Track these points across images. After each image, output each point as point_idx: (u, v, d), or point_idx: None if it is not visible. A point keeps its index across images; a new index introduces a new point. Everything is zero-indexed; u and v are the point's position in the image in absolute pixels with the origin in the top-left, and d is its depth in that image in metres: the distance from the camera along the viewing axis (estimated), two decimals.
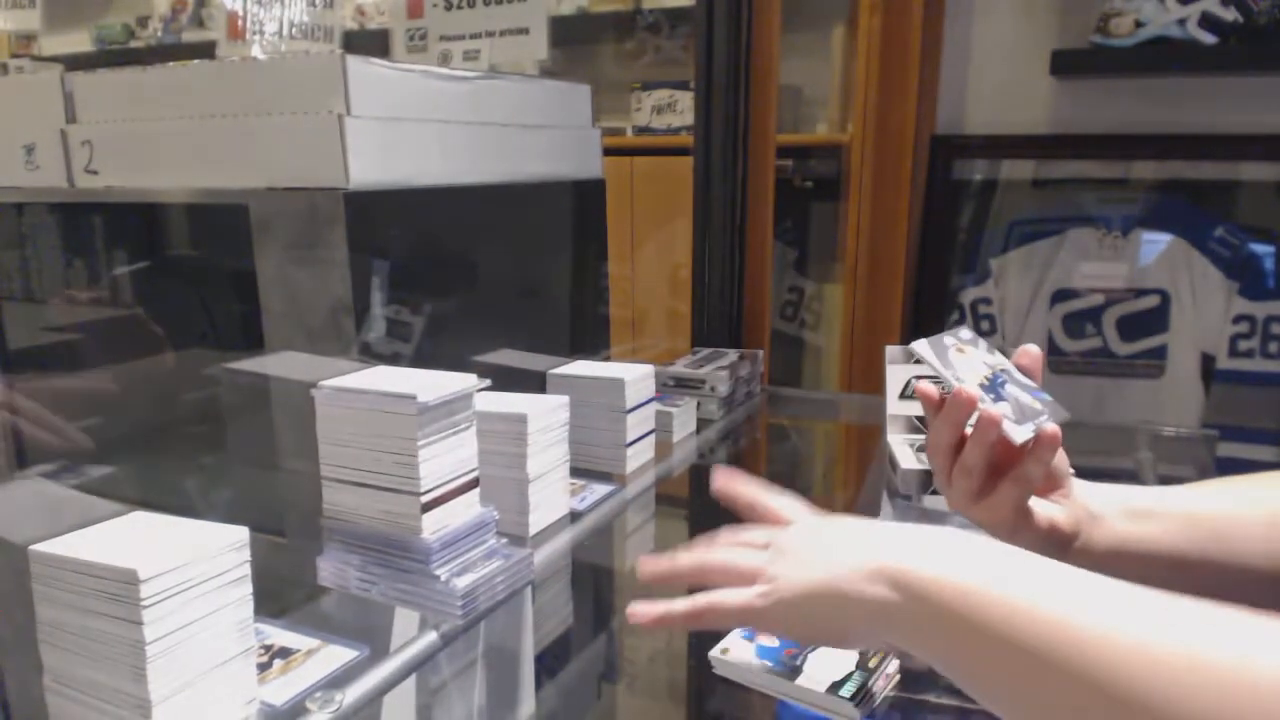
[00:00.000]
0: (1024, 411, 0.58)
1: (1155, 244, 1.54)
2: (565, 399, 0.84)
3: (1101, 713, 0.35)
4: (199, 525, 0.54)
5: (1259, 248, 1.48)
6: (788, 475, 1.24)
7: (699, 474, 1.08)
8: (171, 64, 0.83)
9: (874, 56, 1.60)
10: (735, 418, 1.23)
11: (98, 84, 0.88)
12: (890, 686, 0.63)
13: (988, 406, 0.57)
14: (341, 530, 0.69)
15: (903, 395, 1.00)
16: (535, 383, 0.97)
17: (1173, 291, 1.52)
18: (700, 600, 0.52)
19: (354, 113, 0.76)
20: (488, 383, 0.69)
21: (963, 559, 0.43)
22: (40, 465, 1.00)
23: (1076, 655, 0.36)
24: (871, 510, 0.91)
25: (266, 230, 0.78)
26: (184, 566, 0.50)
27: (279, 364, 0.80)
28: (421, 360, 0.81)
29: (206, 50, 1.13)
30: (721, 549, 0.54)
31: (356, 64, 0.77)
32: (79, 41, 3.21)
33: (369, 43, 2.50)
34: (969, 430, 0.58)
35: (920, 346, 0.63)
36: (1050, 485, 0.60)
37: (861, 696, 0.61)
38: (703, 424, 1.17)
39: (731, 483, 0.60)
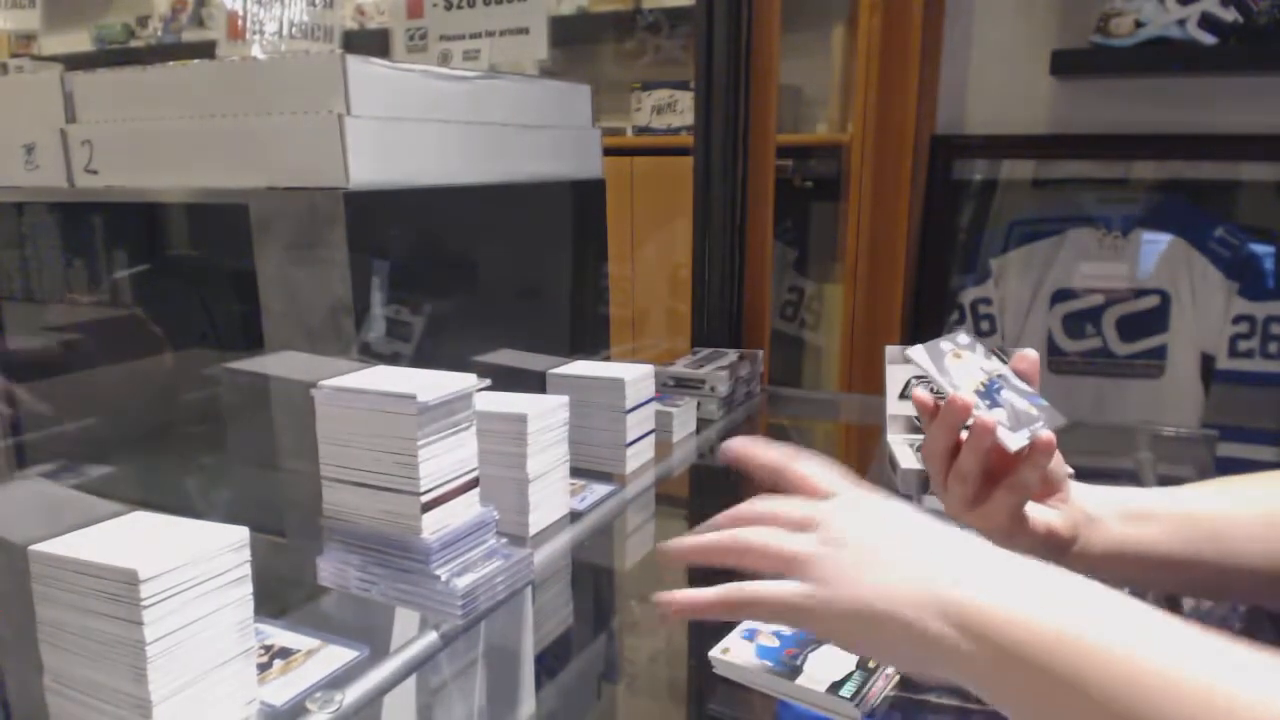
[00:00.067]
0: (1019, 418, 0.58)
1: (1155, 244, 1.54)
2: (565, 399, 0.84)
3: None
4: (199, 525, 0.54)
5: (1259, 248, 1.48)
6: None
7: (699, 474, 1.08)
8: (171, 64, 0.83)
9: (874, 56, 1.60)
10: (735, 418, 1.23)
11: (98, 84, 0.88)
12: (890, 686, 0.63)
13: (982, 413, 0.57)
14: (341, 530, 0.69)
15: (903, 395, 1.00)
16: (535, 383, 0.97)
17: (1173, 291, 1.52)
18: (736, 590, 0.47)
19: (354, 113, 0.76)
20: (488, 383, 0.69)
21: (1031, 593, 0.41)
22: (40, 465, 1.00)
23: (1174, 710, 0.35)
24: None
25: (266, 230, 0.78)
26: (184, 566, 0.50)
27: (279, 364, 0.80)
28: (421, 360, 0.81)
29: (206, 50, 1.14)
30: (756, 529, 0.48)
31: (356, 64, 0.77)
32: (79, 41, 3.21)
33: (369, 43, 2.50)
34: (964, 436, 0.58)
35: (916, 353, 0.63)
36: (1047, 490, 0.60)
37: (861, 696, 0.61)
38: (703, 424, 1.17)
39: (749, 447, 0.54)
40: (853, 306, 1.71)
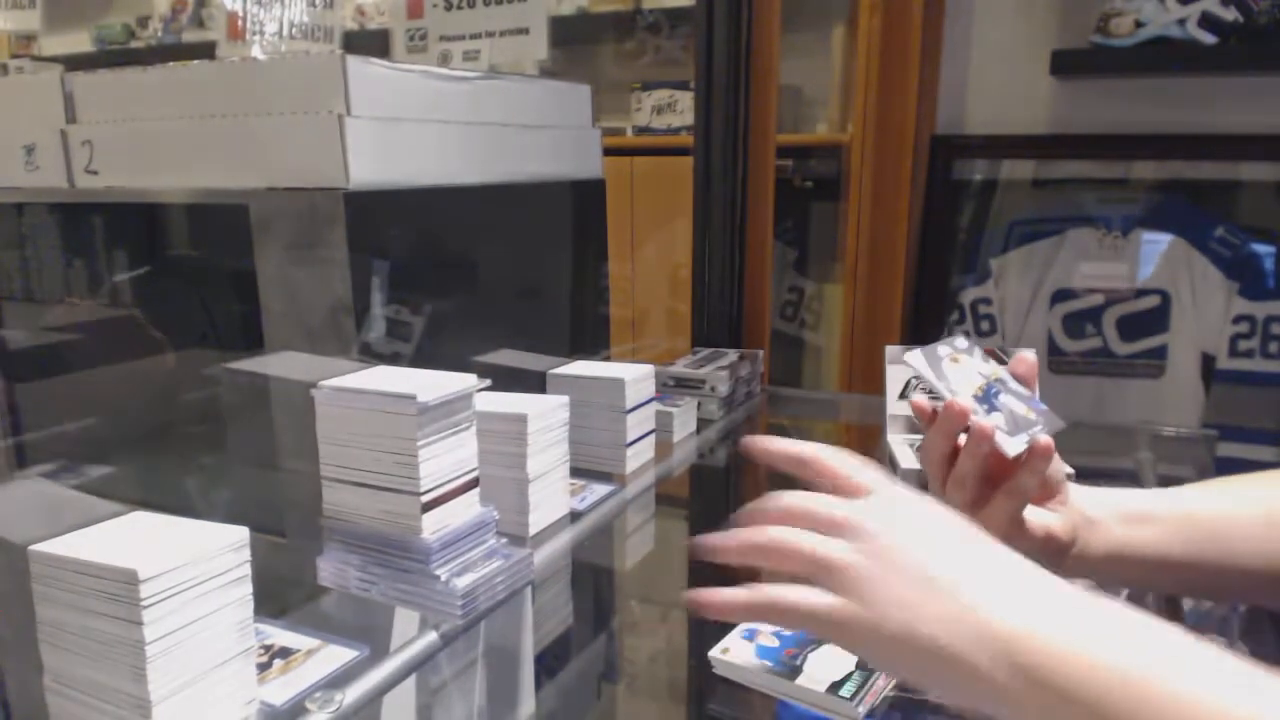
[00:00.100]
0: (1018, 422, 0.58)
1: (1155, 244, 1.54)
2: (565, 399, 0.84)
3: None
4: (199, 525, 0.54)
5: (1259, 248, 1.48)
6: (788, 476, 1.24)
7: (699, 474, 1.08)
8: (171, 64, 0.83)
9: (874, 56, 1.60)
10: (735, 418, 1.23)
11: (98, 84, 0.88)
12: (890, 686, 0.63)
13: (980, 418, 0.57)
14: (341, 530, 0.69)
15: (903, 395, 1.00)
16: (535, 383, 0.97)
17: (1173, 291, 1.52)
18: (766, 596, 0.44)
19: (354, 113, 0.76)
20: (488, 383, 0.69)
21: (1090, 629, 0.39)
22: (40, 465, 1.00)
23: None
24: None
25: (266, 230, 0.78)
26: (184, 566, 0.50)
27: (279, 364, 0.80)
28: (421, 360, 0.81)
29: (206, 50, 1.14)
30: (787, 530, 0.45)
31: (356, 64, 0.77)
32: (79, 41, 3.21)
33: (369, 43, 2.50)
34: (963, 441, 0.58)
35: (914, 358, 0.63)
36: (1046, 493, 0.60)
37: (861, 696, 0.61)
38: (703, 424, 1.17)
39: (771, 440, 0.52)
40: (853, 306, 1.71)
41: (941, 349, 0.64)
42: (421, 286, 0.84)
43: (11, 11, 1.75)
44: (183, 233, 0.90)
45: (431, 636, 0.65)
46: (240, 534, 0.53)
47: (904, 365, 0.99)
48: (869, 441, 1.22)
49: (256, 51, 1.14)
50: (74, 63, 2.75)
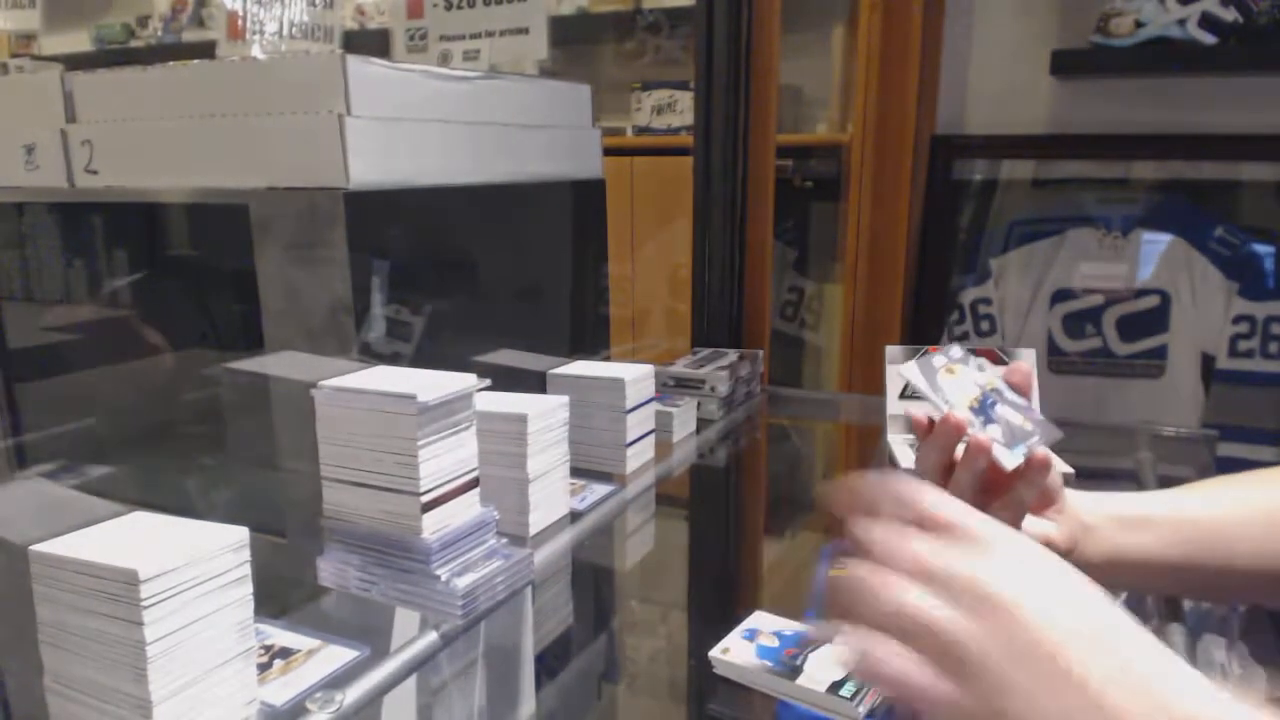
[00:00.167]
0: (1015, 434, 0.58)
1: (1155, 244, 1.54)
2: (565, 399, 0.84)
3: None
4: (199, 525, 0.54)
5: (1259, 248, 1.48)
6: (788, 475, 1.24)
7: (699, 474, 1.08)
8: (171, 64, 0.83)
9: (874, 56, 1.61)
10: (735, 418, 1.23)
11: (98, 84, 0.88)
12: None
13: (977, 431, 0.57)
14: (341, 530, 0.69)
15: (903, 395, 1.00)
16: (535, 383, 0.97)
17: (1173, 292, 1.53)
18: (874, 666, 0.37)
19: (354, 113, 0.76)
20: (488, 383, 0.69)
21: None
22: (40, 465, 1.00)
23: None
24: None
25: (266, 230, 0.78)
26: (184, 567, 0.50)
27: (279, 364, 0.80)
28: (421, 360, 0.81)
29: (206, 50, 1.13)
30: (890, 580, 0.38)
31: (356, 64, 0.77)
32: (79, 41, 3.21)
33: (369, 43, 2.50)
34: (959, 454, 0.58)
35: (909, 370, 0.63)
36: (1043, 502, 0.60)
37: (861, 697, 0.61)
38: (703, 424, 1.17)
39: (857, 485, 0.43)
40: (853, 306, 1.71)
41: (937, 360, 0.64)
42: (421, 286, 0.84)
43: (11, 11, 1.75)
44: (183, 232, 0.90)
45: (432, 636, 0.65)
46: (240, 534, 0.53)
47: (904, 366, 1.00)
48: (869, 441, 1.22)
49: (256, 51, 1.14)
50: (74, 62, 2.75)
